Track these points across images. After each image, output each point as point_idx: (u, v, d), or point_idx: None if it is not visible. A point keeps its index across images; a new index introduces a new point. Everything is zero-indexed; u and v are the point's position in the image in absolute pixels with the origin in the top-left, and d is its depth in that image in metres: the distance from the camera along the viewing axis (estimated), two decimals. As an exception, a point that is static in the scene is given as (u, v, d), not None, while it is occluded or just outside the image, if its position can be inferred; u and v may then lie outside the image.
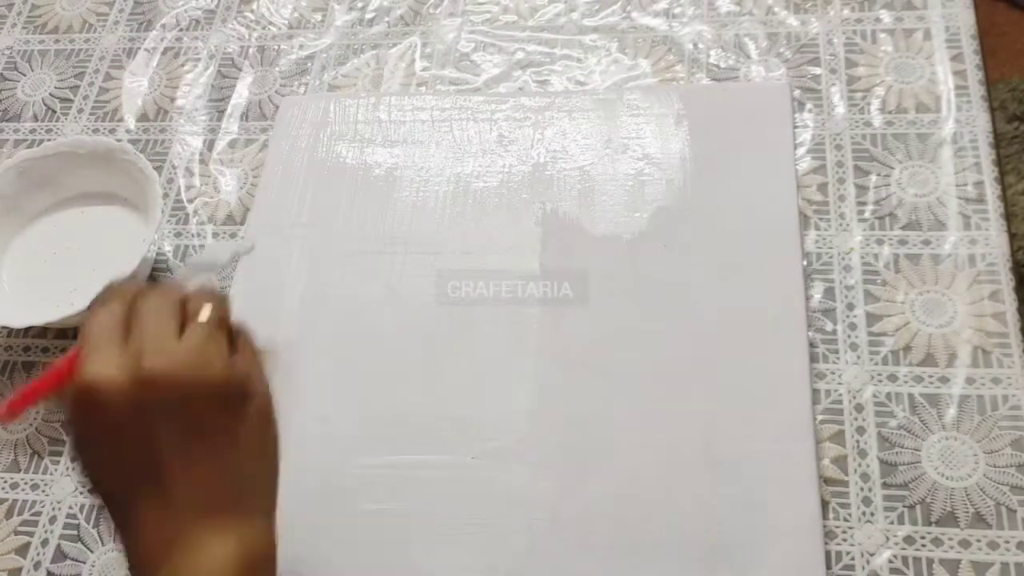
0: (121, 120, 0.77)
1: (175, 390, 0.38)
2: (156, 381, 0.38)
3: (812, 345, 0.58)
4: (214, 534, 0.39)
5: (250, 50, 0.79)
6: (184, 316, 0.40)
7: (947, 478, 0.53)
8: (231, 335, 0.42)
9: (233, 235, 0.69)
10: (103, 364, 0.38)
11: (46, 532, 0.59)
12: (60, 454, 0.62)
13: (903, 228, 0.61)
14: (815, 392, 0.56)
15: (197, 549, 0.39)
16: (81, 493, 0.60)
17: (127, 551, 0.40)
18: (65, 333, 0.66)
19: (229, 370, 0.40)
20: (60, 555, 0.58)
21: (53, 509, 0.60)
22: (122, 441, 0.39)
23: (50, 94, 0.79)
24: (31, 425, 0.63)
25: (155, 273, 0.68)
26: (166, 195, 0.71)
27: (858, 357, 0.57)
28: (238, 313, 0.62)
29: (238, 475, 0.41)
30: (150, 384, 0.38)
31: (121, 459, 0.39)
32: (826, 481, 0.54)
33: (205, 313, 0.40)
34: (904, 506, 0.53)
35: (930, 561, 0.51)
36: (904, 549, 0.52)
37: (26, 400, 0.40)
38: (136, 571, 0.40)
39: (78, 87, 0.79)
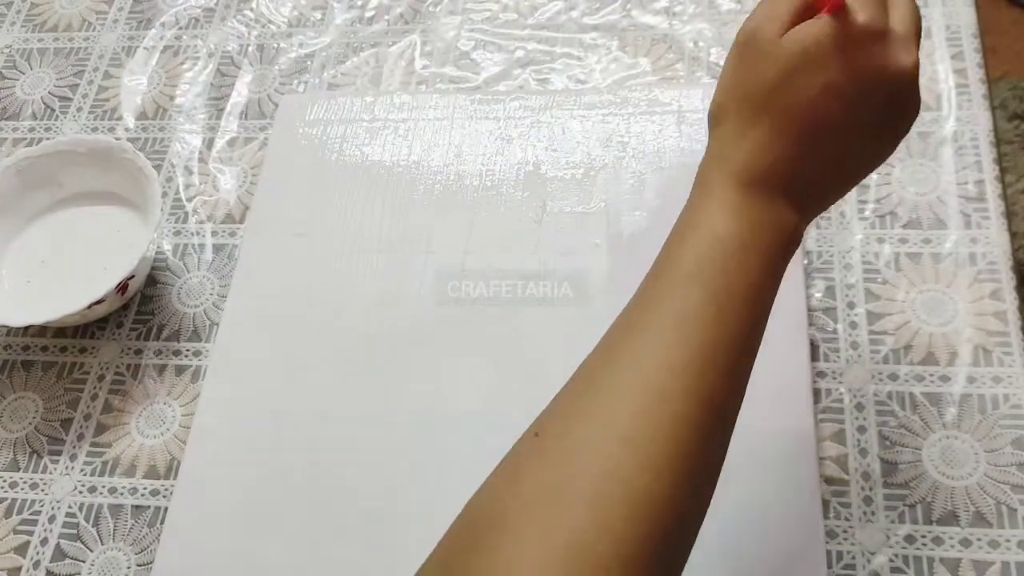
0: (120, 119, 0.76)
1: (908, 79, 0.39)
2: (904, 49, 0.39)
3: (813, 344, 0.58)
4: (784, 201, 0.40)
5: (249, 48, 0.78)
6: None
7: (948, 477, 0.53)
8: None
9: (233, 233, 0.69)
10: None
11: (45, 531, 0.59)
12: (59, 453, 0.62)
13: (904, 227, 0.61)
14: (816, 391, 0.56)
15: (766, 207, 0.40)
16: (80, 492, 0.60)
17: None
18: (64, 332, 0.66)
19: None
20: (59, 554, 0.58)
21: (52, 508, 0.60)
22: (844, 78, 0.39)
23: (49, 92, 0.79)
24: (30, 424, 0.63)
25: (155, 272, 0.68)
26: (165, 194, 0.71)
27: (859, 356, 0.57)
28: (235, 312, 0.62)
29: (844, 169, 0.42)
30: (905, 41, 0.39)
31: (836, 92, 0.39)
32: (827, 480, 0.54)
33: None
34: (905, 505, 0.53)
35: (931, 560, 0.51)
36: (905, 548, 0.52)
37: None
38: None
39: (77, 85, 0.79)
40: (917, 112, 0.41)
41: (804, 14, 0.40)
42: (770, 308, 0.40)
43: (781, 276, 0.41)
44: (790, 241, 0.41)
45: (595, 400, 0.38)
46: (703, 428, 0.37)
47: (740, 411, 0.57)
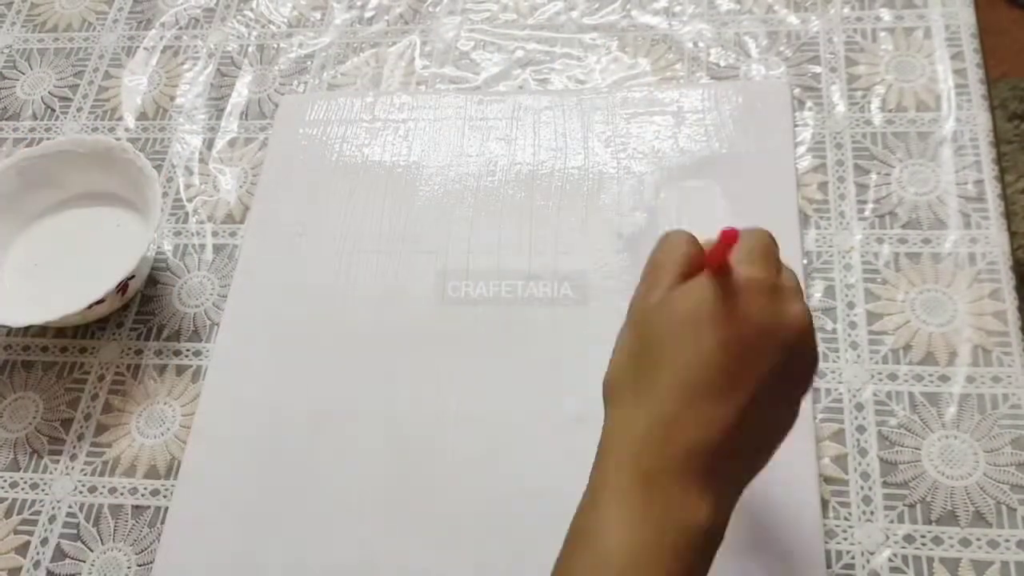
0: (120, 119, 0.77)
1: (802, 327, 0.38)
2: (794, 299, 0.38)
3: (812, 344, 0.58)
4: (701, 490, 0.36)
5: (249, 49, 0.78)
6: None
7: (947, 477, 0.53)
8: None
9: (233, 233, 0.69)
10: (760, 271, 0.38)
11: (46, 531, 0.59)
12: (59, 453, 0.62)
13: (903, 227, 0.61)
14: (815, 391, 0.56)
15: (683, 486, 0.36)
16: (80, 492, 0.60)
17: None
18: (64, 332, 0.66)
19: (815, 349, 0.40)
20: (60, 554, 0.58)
21: (53, 508, 0.60)
22: (733, 338, 0.37)
23: (49, 92, 0.79)
24: (31, 424, 0.63)
25: (155, 272, 0.68)
26: (165, 194, 0.71)
27: (858, 356, 0.57)
28: (236, 313, 0.62)
29: (751, 436, 0.38)
30: (790, 297, 0.39)
31: (723, 349, 0.37)
32: (826, 480, 0.54)
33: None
34: (904, 505, 0.53)
35: (930, 560, 0.51)
36: (904, 548, 0.52)
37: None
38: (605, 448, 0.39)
39: (77, 86, 0.79)
40: (816, 362, 0.40)
41: (688, 278, 0.39)
42: None
43: None
44: (706, 540, 0.37)
45: None
46: None
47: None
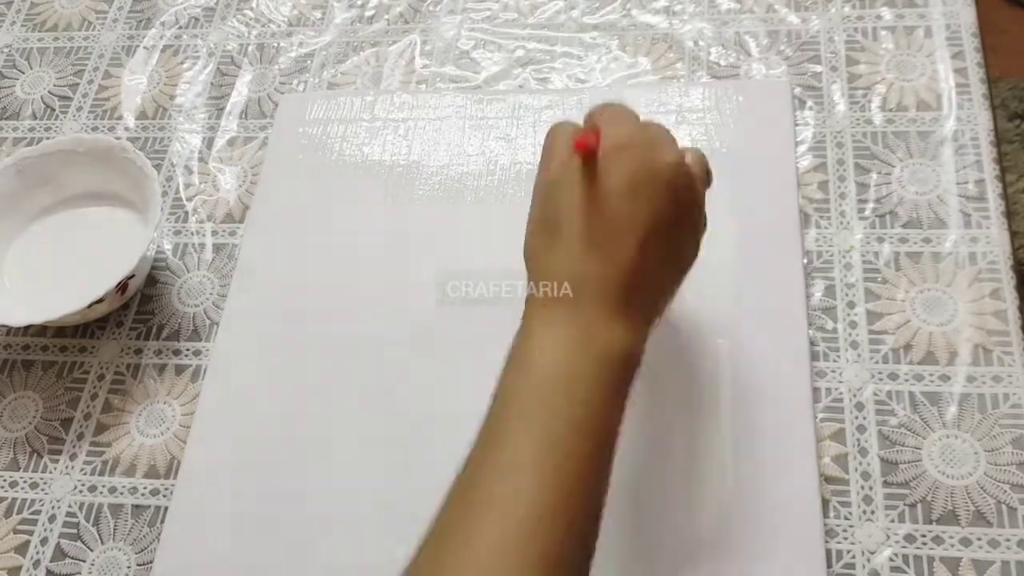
0: (120, 118, 0.76)
1: (672, 170, 0.44)
2: (664, 149, 0.45)
3: (812, 343, 0.58)
4: (611, 319, 0.43)
5: (249, 48, 0.78)
6: None
7: (948, 476, 0.53)
8: None
9: (233, 233, 0.69)
10: (623, 129, 0.45)
11: (45, 531, 0.59)
12: (59, 452, 0.62)
13: (904, 226, 0.61)
14: (815, 390, 0.56)
15: (587, 323, 0.43)
16: (80, 492, 0.60)
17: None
18: (64, 331, 0.66)
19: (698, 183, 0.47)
20: (59, 553, 0.58)
21: (52, 508, 0.60)
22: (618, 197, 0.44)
23: (49, 92, 0.79)
24: (30, 423, 0.63)
25: (155, 272, 0.68)
26: (165, 193, 0.71)
27: (859, 355, 0.57)
28: (235, 312, 0.62)
29: (655, 270, 0.45)
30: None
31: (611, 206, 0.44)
32: (827, 479, 0.54)
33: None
34: (905, 504, 0.53)
35: (931, 559, 0.51)
36: (905, 547, 0.52)
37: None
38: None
39: (77, 85, 0.79)
40: (697, 204, 0.47)
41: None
42: (615, 429, 0.42)
43: (625, 396, 0.43)
44: (624, 361, 0.43)
45: (453, 545, 0.41)
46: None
47: (740, 411, 0.57)
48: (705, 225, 0.48)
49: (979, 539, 0.51)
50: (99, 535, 0.59)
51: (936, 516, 0.52)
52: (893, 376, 0.56)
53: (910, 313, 0.58)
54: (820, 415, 0.56)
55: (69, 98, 0.79)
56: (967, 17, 0.69)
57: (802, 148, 0.65)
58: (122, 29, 0.82)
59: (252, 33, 0.79)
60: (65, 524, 0.59)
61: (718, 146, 0.65)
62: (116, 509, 0.59)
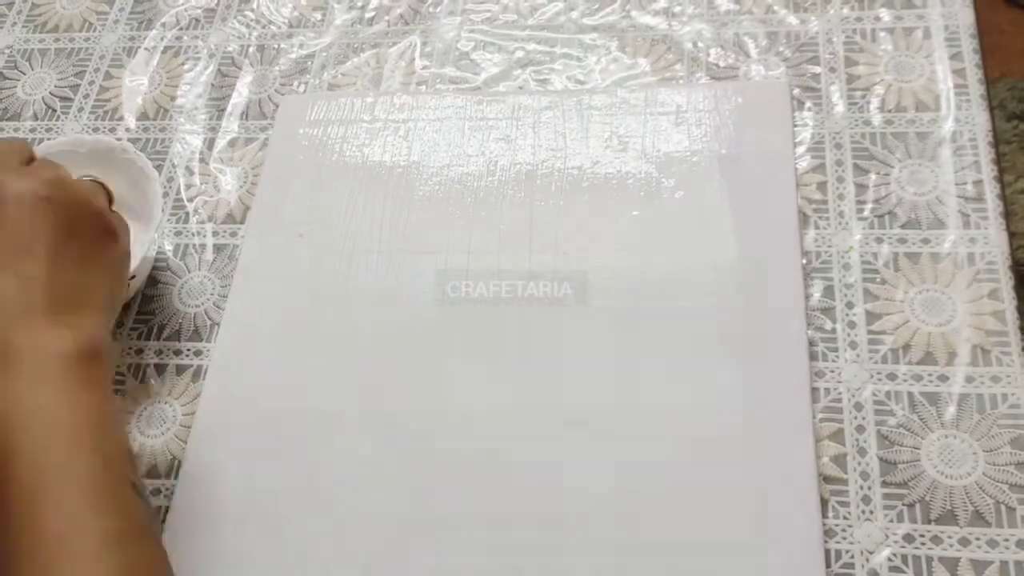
0: (121, 119, 0.77)
1: (71, 198, 0.50)
2: (57, 183, 0.49)
3: (811, 343, 0.58)
4: (52, 325, 0.46)
5: (250, 49, 0.79)
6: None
7: (946, 476, 0.53)
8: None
9: (234, 233, 0.69)
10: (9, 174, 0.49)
11: (46, 531, 0.59)
12: (60, 453, 0.62)
13: (902, 227, 0.62)
14: (814, 390, 0.56)
15: (37, 330, 0.46)
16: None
17: None
18: (65, 332, 0.66)
19: (109, 213, 0.53)
20: (60, 554, 0.58)
21: (53, 508, 0.60)
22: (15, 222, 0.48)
23: (50, 93, 0.79)
24: (31, 424, 0.63)
25: (156, 272, 0.68)
26: (166, 194, 0.71)
27: (857, 355, 0.57)
28: (236, 312, 0.62)
29: (84, 285, 0.49)
30: (51, 183, 0.49)
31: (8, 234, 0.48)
32: (825, 479, 0.54)
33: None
34: (903, 504, 0.53)
35: (929, 559, 0.51)
36: (903, 547, 0.52)
37: None
38: None
39: (78, 86, 0.79)
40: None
41: None
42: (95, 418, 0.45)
43: (99, 391, 0.47)
44: (80, 357, 0.46)
45: None
46: None
47: (738, 411, 0.57)
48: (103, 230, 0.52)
49: (978, 539, 0.51)
50: (100, 535, 0.59)
51: (935, 516, 0.52)
52: (892, 376, 0.57)
53: (909, 313, 0.58)
54: (819, 415, 0.56)
55: (70, 99, 0.79)
56: (965, 18, 0.69)
57: (801, 149, 0.65)
58: (123, 30, 0.82)
59: (253, 34, 0.79)
60: (66, 524, 0.59)
61: (717, 147, 0.65)
62: (117, 509, 0.59)
